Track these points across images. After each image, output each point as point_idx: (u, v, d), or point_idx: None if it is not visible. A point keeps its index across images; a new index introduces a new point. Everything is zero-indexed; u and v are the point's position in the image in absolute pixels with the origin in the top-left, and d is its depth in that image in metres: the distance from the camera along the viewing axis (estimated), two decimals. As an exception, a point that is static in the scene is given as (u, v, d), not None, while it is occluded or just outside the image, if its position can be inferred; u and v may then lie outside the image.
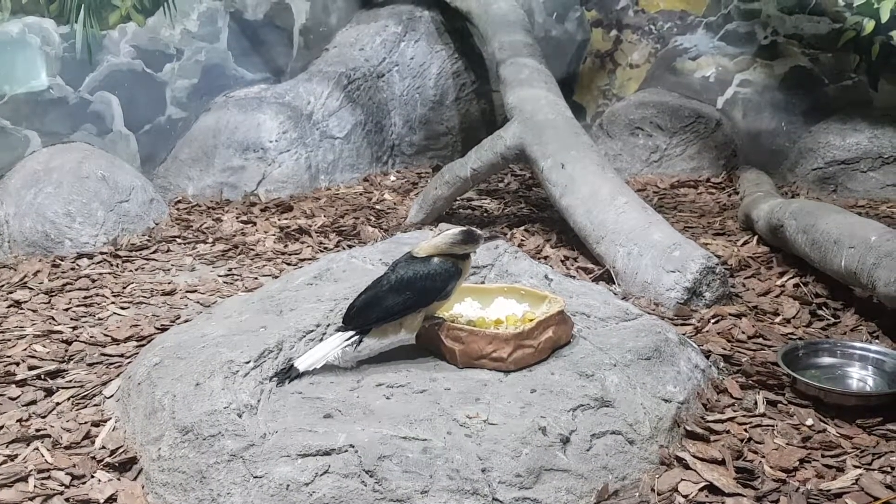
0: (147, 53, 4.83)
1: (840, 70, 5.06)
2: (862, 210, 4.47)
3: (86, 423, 2.48)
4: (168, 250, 4.12)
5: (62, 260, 3.94)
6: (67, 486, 2.21)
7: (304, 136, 5.04)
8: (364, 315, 2.39)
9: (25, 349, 2.98)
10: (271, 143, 4.93)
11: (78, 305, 3.43)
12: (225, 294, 3.50)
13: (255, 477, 2.02)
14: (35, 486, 2.20)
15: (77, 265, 3.89)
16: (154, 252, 4.08)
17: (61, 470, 2.26)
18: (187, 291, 3.55)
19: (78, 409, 2.58)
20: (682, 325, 3.08)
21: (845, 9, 4.99)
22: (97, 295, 3.54)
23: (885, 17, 4.83)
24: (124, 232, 4.20)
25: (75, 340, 3.06)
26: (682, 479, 2.16)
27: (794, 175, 5.05)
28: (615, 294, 3.23)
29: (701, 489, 2.12)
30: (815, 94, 5.14)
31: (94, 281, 3.70)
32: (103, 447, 2.36)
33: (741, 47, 5.40)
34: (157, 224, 4.38)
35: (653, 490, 2.13)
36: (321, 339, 2.49)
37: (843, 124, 4.96)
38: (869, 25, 4.90)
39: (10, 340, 3.07)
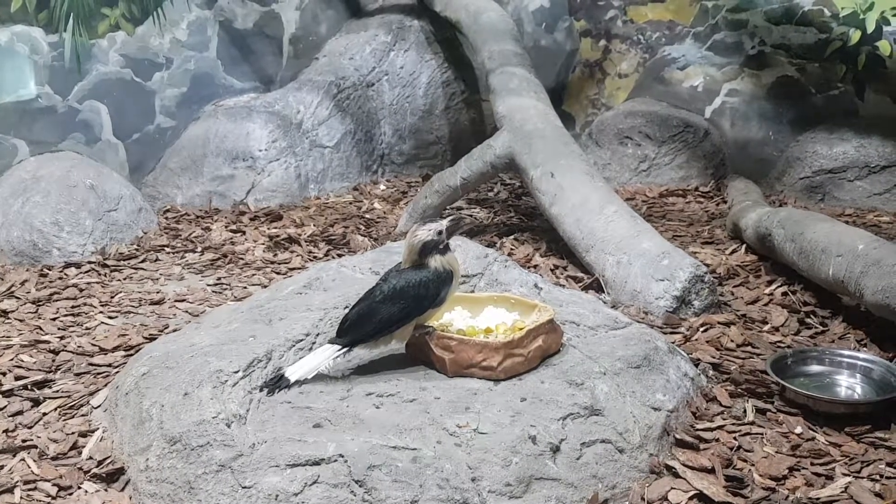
0: (136, 62, 4.82)
1: (827, 80, 5.10)
2: (849, 219, 4.50)
3: (73, 433, 2.46)
4: (156, 259, 4.10)
5: (50, 269, 3.92)
6: (54, 498, 2.19)
7: (293, 145, 5.03)
8: (358, 328, 2.37)
9: (12, 359, 2.96)
10: (261, 152, 4.93)
11: (65, 315, 3.41)
12: (214, 303, 3.49)
13: (243, 487, 2.01)
14: (21, 498, 2.18)
15: (65, 274, 3.87)
16: (142, 261, 4.06)
17: (48, 481, 2.24)
18: (176, 301, 3.54)
19: (65, 420, 2.56)
20: (672, 333, 3.08)
21: (832, 19, 5.03)
22: (85, 304, 3.52)
23: (870, 27, 4.87)
24: (112, 241, 4.18)
25: (63, 350, 3.04)
26: (671, 488, 2.16)
27: (781, 184, 5.08)
28: (605, 303, 3.24)
29: (691, 498, 2.13)
30: (802, 103, 5.17)
31: (81, 290, 3.68)
32: (90, 458, 2.34)
33: (729, 57, 5.43)
34: (145, 233, 4.36)
35: (643, 499, 2.13)
36: (311, 349, 2.48)
37: (830, 134, 4.99)
38: (855, 36, 4.94)
39: (-4, 350, 3.05)
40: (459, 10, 5.29)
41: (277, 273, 3.87)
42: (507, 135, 4.19)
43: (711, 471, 2.22)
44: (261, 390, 2.31)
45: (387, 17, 5.69)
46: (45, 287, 3.71)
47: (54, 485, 2.23)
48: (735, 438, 2.38)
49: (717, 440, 2.37)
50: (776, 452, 2.32)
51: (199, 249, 4.20)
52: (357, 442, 2.06)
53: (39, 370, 2.88)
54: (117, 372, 2.78)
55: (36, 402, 2.67)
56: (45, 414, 2.60)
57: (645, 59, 5.76)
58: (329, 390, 2.32)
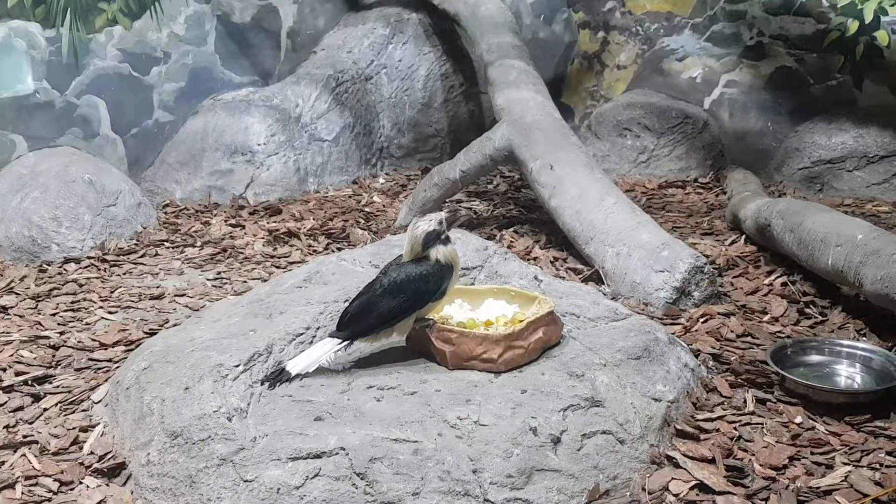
0: (134, 57, 4.81)
1: (825, 70, 5.10)
2: (848, 209, 4.50)
3: (74, 428, 2.46)
4: (156, 254, 4.10)
5: (49, 265, 3.92)
6: (55, 493, 2.20)
7: (292, 138, 5.03)
8: (359, 321, 2.37)
9: (12, 355, 2.96)
10: (259, 146, 4.92)
11: (65, 310, 3.41)
12: (214, 298, 3.49)
13: (245, 481, 2.02)
14: (23, 493, 2.19)
15: (64, 270, 3.87)
16: (142, 256, 4.06)
17: (49, 476, 2.25)
18: (176, 295, 3.54)
19: (66, 415, 2.56)
20: (672, 324, 3.09)
21: (830, 9, 5.02)
22: (85, 300, 3.52)
23: (868, 17, 4.86)
24: (112, 236, 4.18)
25: (63, 345, 3.04)
26: (672, 478, 2.16)
27: (780, 174, 5.08)
28: (604, 294, 3.24)
29: (691, 488, 2.13)
30: (800, 94, 5.17)
31: (81, 286, 3.67)
32: (91, 453, 2.34)
33: (727, 48, 5.42)
34: (144, 228, 4.36)
35: (643, 489, 2.14)
36: (311, 343, 2.49)
37: (829, 124, 4.99)
38: (853, 26, 4.93)
39: (-4, 346, 3.05)
40: (457, 3, 5.28)
41: (277, 267, 3.88)
42: (506, 127, 4.19)
43: (712, 461, 2.23)
44: (262, 384, 2.32)
45: (385, 10, 5.68)
46: (44, 283, 3.71)
47: (55, 480, 2.23)
48: (735, 428, 2.39)
49: (718, 430, 2.37)
50: (776, 442, 2.33)
51: (199, 244, 4.20)
52: (358, 435, 2.07)
53: (40, 366, 2.88)
54: (118, 367, 2.79)
55: (36, 398, 2.67)
56: (45, 409, 2.60)
57: (643, 51, 5.76)
58: (330, 383, 2.33)
